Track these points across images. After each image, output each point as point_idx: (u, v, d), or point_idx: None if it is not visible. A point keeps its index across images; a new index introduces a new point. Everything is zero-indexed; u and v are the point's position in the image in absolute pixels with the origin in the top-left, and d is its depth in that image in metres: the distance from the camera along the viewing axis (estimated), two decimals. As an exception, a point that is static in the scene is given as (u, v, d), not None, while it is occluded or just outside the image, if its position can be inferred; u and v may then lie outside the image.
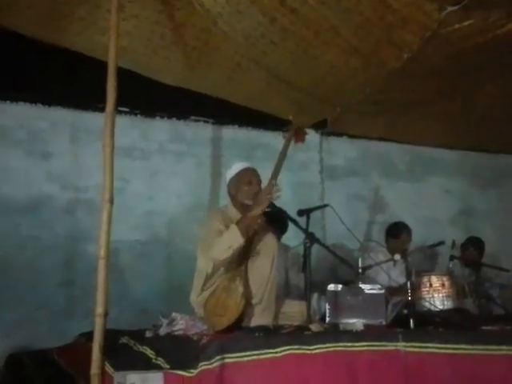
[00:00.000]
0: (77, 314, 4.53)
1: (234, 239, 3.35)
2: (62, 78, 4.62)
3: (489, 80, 4.70)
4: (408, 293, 3.39)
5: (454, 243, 4.68)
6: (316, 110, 5.34)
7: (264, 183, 3.71)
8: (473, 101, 5.04)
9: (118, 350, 3.12)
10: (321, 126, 5.75)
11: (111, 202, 2.99)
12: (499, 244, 5.98)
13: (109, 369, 2.85)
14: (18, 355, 4.13)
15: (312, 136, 5.48)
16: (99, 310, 2.89)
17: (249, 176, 3.69)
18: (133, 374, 2.50)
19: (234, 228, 3.38)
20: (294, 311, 3.67)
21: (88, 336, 3.37)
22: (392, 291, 4.13)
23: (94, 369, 2.82)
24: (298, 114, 4.31)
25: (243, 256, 3.47)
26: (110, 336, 2.99)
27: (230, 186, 3.75)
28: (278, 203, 3.70)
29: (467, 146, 6.29)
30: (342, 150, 6.02)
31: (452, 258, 4.66)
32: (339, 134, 5.96)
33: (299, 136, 4.11)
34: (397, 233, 5.05)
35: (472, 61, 4.29)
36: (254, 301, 3.48)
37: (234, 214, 3.65)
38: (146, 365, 2.74)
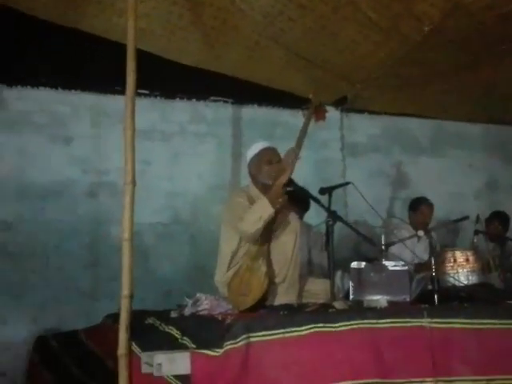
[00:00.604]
0: (103, 296, 4.60)
1: (264, 210, 3.34)
2: (81, 61, 4.65)
3: (510, 52, 4.60)
4: (432, 269, 3.37)
5: (478, 218, 4.64)
6: (336, 86, 5.29)
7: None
8: (495, 73, 4.95)
9: (144, 330, 3.15)
10: (341, 103, 5.70)
11: (133, 184, 3.01)
12: (524, 218, 5.90)
13: (135, 349, 2.88)
14: (46, 337, 4.21)
15: (332, 113, 5.43)
16: (125, 291, 2.92)
17: (269, 155, 3.67)
18: (160, 354, 2.51)
19: (263, 199, 3.39)
20: (317, 289, 3.67)
21: (114, 317, 3.42)
22: (417, 268, 4.11)
23: (121, 349, 2.86)
24: (318, 91, 4.26)
25: (266, 235, 3.48)
26: (136, 317, 3.02)
27: (250, 165, 3.73)
28: (299, 181, 3.69)
29: (490, 120, 6.21)
30: (363, 126, 5.97)
31: (476, 232, 4.63)
32: (360, 111, 5.91)
33: (320, 114, 4.07)
34: (416, 205, 5.05)
35: (493, 33, 4.21)
36: (277, 280, 3.49)
37: (256, 193, 3.64)
38: (173, 345, 2.76)
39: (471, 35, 4.24)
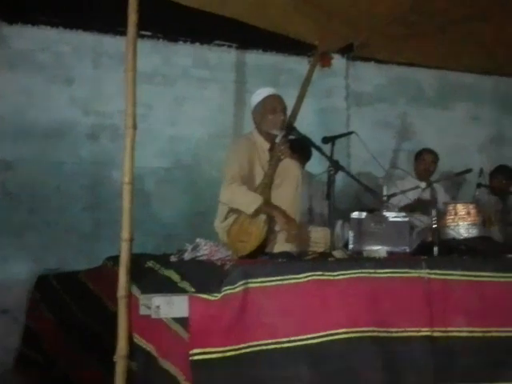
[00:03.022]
0: (103, 238, 4.62)
1: (248, 208, 3.35)
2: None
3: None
4: (433, 220, 3.37)
5: (481, 171, 4.61)
6: (342, 33, 5.17)
7: (289, 109, 3.67)
8: (508, 23, 4.83)
9: (143, 273, 3.17)
10: (347, 51, 5.59)
11: (134, 128, 2.97)
12: (528, 172, 5.87)
13: (135, 291, 2.90)
14: (47, 277, 4.25)
15: (338, 61, 5.35)
16: (125, 234, 2.92)
17: (274, 103, 3.62)
18: (158, 296, 2.53)
19: (256, 204, 3.35)
20: (317, 237, 3.67)
21: (115, 260, 3.43)
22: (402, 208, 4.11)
23: (121, 291, 2.88)
24: (324, 38, 4.17)
25: (267, 184, 3.47)
26: (136, 260, 3.04)
27: (254, 113, 3.68)
28: (302, 129, 3.65)
29: (501, 72, 6.10)
30: (369, 75, 5.88)
31: (479, 185, 4.61)
32: (366, 59, 5.80)
33: (325, 60, 4.02)
34: (418, 154, 5.09)
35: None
36: (277, 227, 3.49)
37: (259, 141, 3.62)
38: (171, 288, 2.78)
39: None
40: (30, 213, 4.56)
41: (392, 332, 2.66)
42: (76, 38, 4.82)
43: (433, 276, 2.77)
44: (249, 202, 3.36)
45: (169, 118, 5.09)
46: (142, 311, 2.63)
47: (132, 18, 2.97)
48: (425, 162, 5.00)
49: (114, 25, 4.65)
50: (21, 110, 4.63)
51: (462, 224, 3.68)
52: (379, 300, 2.69)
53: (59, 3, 4.56)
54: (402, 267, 2.77)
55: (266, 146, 3.62)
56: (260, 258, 3.25)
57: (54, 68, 4.76)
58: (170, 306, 2.47)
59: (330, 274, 2.65)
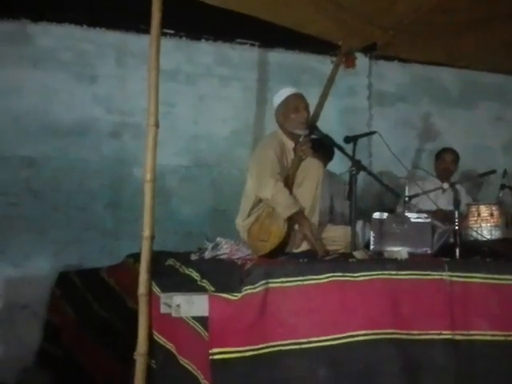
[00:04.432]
0: (124, 235, 4.65)
1: (285, 211, 3.31)
2: (107, -2, 4.57)
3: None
4: (455, 222, 3.33)
5: (505, 172, 4.55)
6: (366, 32, 5.13)
7: (311, 109, 3.65)
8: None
9: (164, 271, 3.19)
10: (370, 50, 5.56)
11: (157, 126, 2.99)
12: (553, 174, 5.79)
13: (155, 289, 2.92)
14: (68, 273, 4.29)
15: (361, 60, 5.31)
16: (146, 232, 2.94)
17: (296, 102, 3.59)
18: (179, 295, 2.54)
19: (294, 209, 3.31)
20: (335, 235, 3.63)
21: (136, 257, 3.46)
22: (437, 215, 4.06)
23: (142, 289, 2.90)
24: (347, 37, 4.14)
25: (288, 182, 3.45)
26: (156, 258, 3.05)
27: (277, 113, 3.65)
28: (324, 129, 3.64)
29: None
30: (392, 74, 5.84)
31: (503, 187, 4.54)
32: (390, 59, 5.76)
33: (349, 61, 3.99)
34: (439, 153, 5.02)
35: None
36: (297, 226, 3.48)
37: (286, 140, 3.61)
38: (192, 286, 2.79)
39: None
40: (52, 210, 4.60)
41: (413, 334, 2.64)
42: (100, 37, 4.85)
43: (455, 278, 2.74)
44: (288, 205, 3.33)
45: (191, 116, 5.10)
46: (163, 309, 2.64)
47: (156, 16, 2.98)
48: (445, 161, 4.93)
49: (138, 23, 4.67)
50: (44, 107, 4.68)
51: (485, 226, 3.64)
52: (400, 302, 2.67)
53: (84, 1, 4.59)
54: (424, 269, 2.75)
55: (291, 145, 3.60)
56: (280, 258, 3.24)
57: (77, 66, 4.79)
58: (191, 305, 2.47)
59: (350, 274, 2.64)
